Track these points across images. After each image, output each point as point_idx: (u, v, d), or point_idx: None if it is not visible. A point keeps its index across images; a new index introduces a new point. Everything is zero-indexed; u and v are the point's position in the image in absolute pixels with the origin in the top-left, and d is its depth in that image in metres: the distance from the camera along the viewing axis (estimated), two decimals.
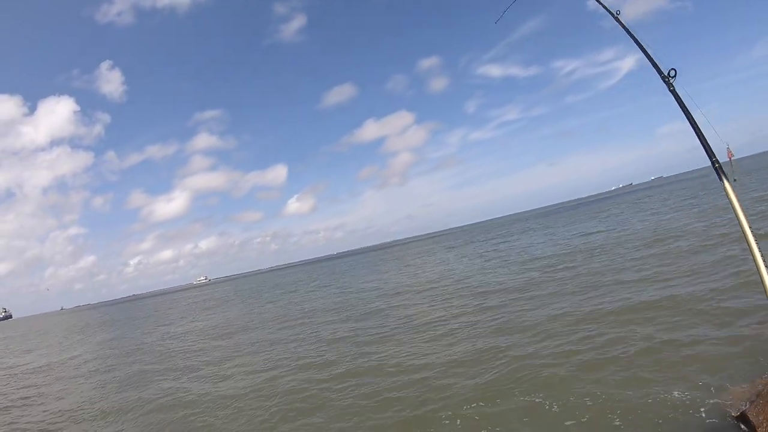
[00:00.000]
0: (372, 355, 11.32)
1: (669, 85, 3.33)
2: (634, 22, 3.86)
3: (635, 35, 3.77)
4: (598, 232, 29.44)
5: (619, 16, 3.97)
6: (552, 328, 10.24)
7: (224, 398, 10.20)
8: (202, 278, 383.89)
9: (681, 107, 3.32)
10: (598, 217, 45.63)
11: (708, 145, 3.28)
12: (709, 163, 3.09)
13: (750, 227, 3.10)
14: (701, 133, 3.28)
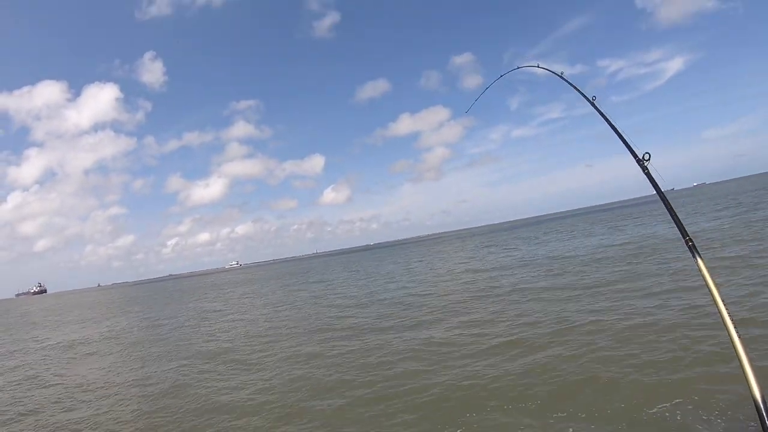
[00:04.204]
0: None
1: (643, 168, 3.41)
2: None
3: (611, 120, 3.82)
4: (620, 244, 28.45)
5: (594, 102, 4.03)
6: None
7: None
8: (233, 263, 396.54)
9: (656, 189, 3.38)
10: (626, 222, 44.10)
11: (681, 223, 3.31)
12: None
13: (726, 307, 3.07)
14: (675, 212, 3.33)
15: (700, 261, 3.15)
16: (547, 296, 14.57)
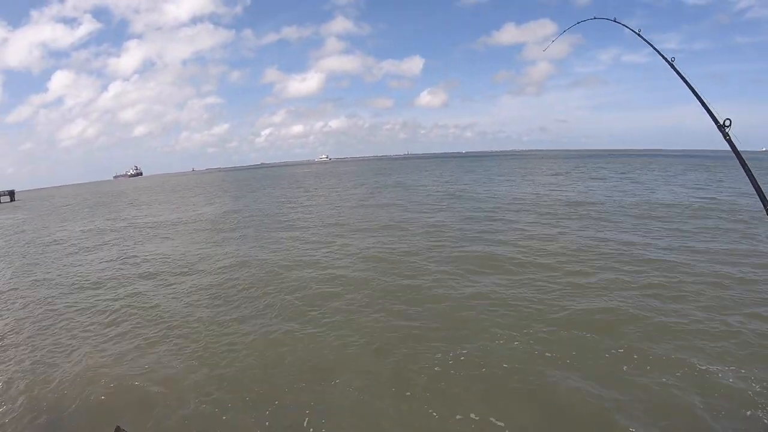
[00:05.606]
0: None
1: (725, 135, 3.40)
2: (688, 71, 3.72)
3: (691, 83, 3.66)
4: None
5: (674, 63, 3.85)
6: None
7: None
8: (323, 156, 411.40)
9: (737, 156, 3.38)
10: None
11: (761, 190, 3.38)
12: None
13: None
14: (756, 180, 3.37)
15: None
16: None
